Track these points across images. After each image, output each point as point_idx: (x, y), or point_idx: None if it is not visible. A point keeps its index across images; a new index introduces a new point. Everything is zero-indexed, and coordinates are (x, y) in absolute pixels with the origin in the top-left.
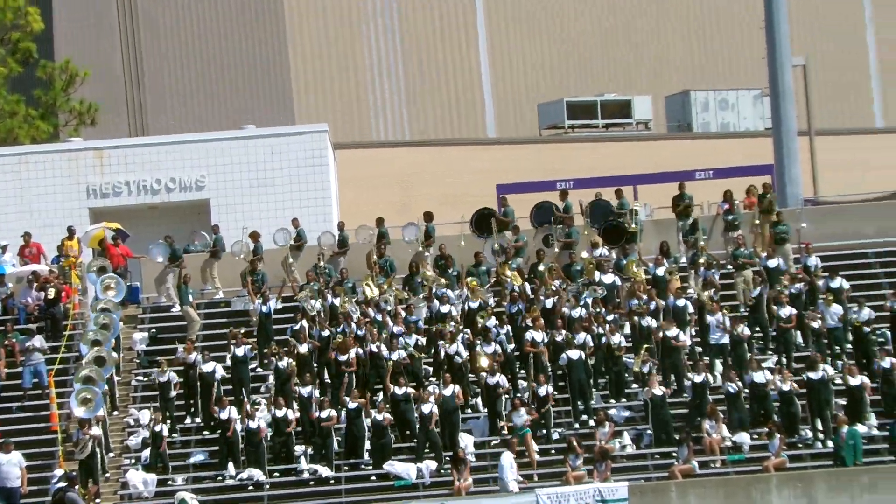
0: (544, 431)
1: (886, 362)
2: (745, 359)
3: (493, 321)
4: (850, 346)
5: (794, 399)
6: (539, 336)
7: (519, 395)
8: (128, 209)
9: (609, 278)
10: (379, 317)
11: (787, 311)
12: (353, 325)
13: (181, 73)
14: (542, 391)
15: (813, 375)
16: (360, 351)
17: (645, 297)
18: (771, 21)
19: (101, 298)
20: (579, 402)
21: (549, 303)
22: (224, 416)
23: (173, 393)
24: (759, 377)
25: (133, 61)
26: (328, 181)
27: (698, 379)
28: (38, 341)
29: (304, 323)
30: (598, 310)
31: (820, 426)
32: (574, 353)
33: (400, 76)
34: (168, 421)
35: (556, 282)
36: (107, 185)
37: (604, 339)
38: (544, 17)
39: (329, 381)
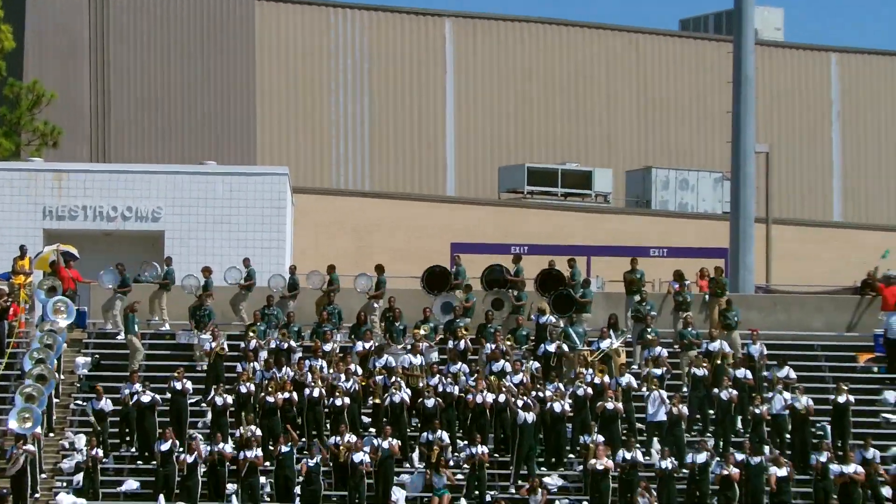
0: (477, 493)
1: (823, 456)
2: (682, 438)
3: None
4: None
5: (733, 484)
6: (490, 397)
7: (455, 455)
8: (82, 233)
9: (553, 346)
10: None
11: (726, 394)
12: (290, 369)
13: (146, 106)
14: (479, 450)
15: (753, 461)
16: (294, 394)
17: (589, 370)
18: (738, 107)
19: (48, 319)
20: (523, 468)
21: (496, 366)
22: (164, 447)
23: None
24: (700, 458)
25: (100, 90)
26: (284, 224)
27: (628, 455)
28: None
29: (255, 364)
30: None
31: None
32: (530, 417)
33: (365, 129)
34: (101, 447)
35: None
36: (63, 207)
37: (547, 406)
38: (513, 84)
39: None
